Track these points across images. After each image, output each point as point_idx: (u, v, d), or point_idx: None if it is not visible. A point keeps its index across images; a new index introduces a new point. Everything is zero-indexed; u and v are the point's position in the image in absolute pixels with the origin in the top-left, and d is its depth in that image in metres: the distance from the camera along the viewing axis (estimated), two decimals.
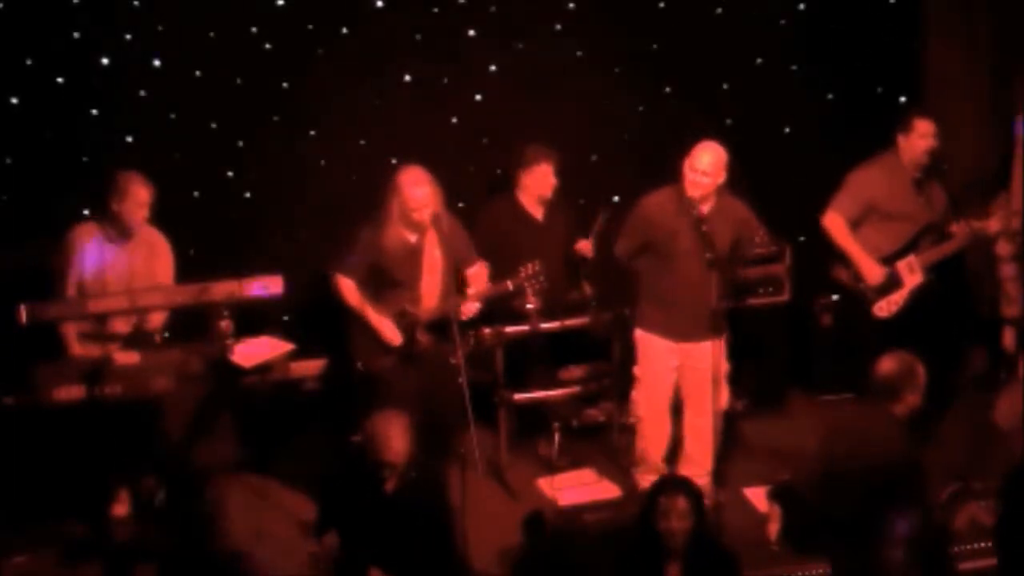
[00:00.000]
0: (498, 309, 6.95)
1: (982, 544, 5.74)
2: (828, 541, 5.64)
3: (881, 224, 6.97)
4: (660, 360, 6.57)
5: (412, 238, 6.53)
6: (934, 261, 6.95)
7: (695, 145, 6.37)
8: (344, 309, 6.59)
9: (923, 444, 5.77)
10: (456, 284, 6.60)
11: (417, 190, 6.40)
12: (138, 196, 6.30)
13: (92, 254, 6.32)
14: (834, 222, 7.00)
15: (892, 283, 6.95)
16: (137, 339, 6.25)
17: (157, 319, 6.37)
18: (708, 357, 6.39)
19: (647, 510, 5.28)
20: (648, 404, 6.67)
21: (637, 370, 6.72)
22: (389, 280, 6.55)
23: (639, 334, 6.64)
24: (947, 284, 7.12)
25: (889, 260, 6.95)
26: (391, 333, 6.53)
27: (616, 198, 7.63)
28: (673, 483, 5.45)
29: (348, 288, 6.57)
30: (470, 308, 6.54)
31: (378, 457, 5.45)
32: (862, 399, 6.03)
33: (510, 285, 6.55)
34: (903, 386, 5.67)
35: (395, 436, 5.45)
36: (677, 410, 6.73)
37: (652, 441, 6.70)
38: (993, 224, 6.93)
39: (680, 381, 6.62)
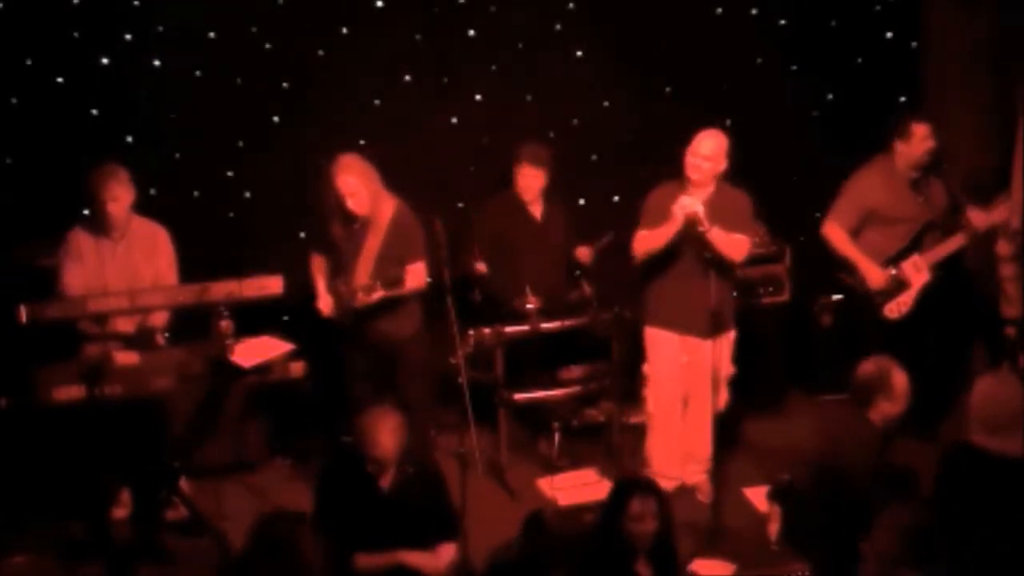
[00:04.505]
0: (498, 309, 6.96)
1: None
2: (814, 543, 5.60)
3: (883, 228, 6.95)
4: (670, 357, 6.57)
5: (356, 224, 6.52)
6: (939, 259, 6.94)
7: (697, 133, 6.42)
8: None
9: (890, 454, 5.67)
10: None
11: (346, 178, 6.40)
12: (113, 191, 6.24)
13: (89, 255, 6.31)
14: (833, 231, 6.99)
15: (899, 284, 6.94)
16: (139, 339, 6.25)
17: (160, 317, 6.36)
18: (711, 353, 6.40)
19: (614, 513, 5.13)
20: (658, 402, 6.66)
21: (647, 368, 6.71)
22: (339, 262, 6.59)
23: (648, 331, 6.63)
24: (952, 283, 7.11)
25: (893, 260, 6.95)
26: (323, 303, 6.60)
27: (616, 198, 7.63)
28: (638, 485, 5.29)
29: (314, 263, 6.68)
30: (365, 299, 6.41)
31: (367, 452, 5.45)
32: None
33: (401, 289, 6.45)
34: (874, 392, 5.60)
35: (383, 431, 5.42)
36: None
37: (661, 439, 6.68)
38: (996, 215, 6.90)
39: (686, 378, 6.61)
